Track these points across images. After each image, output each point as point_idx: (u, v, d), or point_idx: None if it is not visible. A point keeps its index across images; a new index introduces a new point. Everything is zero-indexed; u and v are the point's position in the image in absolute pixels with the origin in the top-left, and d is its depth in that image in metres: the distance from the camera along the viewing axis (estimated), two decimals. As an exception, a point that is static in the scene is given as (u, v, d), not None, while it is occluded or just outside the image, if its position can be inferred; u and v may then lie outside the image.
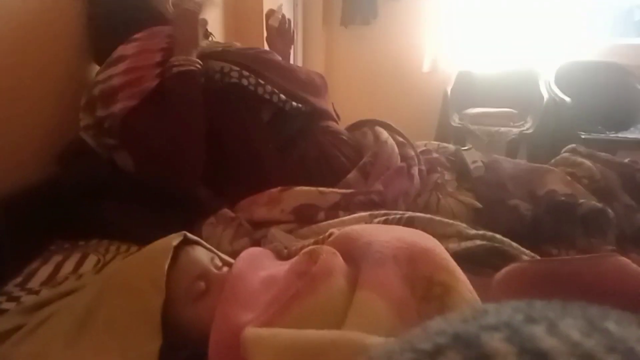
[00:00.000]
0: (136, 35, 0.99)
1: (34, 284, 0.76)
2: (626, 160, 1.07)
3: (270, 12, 1.32)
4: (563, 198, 0.89)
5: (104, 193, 0.93)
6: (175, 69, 0.93)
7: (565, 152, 1.13)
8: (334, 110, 1.25)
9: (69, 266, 0.81)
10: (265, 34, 1.36)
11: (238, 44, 1.19)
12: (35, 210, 0.89)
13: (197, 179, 0.94)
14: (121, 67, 0.94)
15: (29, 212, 0.88)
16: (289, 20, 1.35)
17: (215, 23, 1.98)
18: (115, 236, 0.89)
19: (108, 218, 0.91)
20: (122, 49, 0.96)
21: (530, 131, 2.48)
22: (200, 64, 0.95)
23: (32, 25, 0.97)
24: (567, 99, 2.43)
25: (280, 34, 1.32)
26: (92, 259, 0.83)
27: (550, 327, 0.21)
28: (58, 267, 0.80)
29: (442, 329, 0.24)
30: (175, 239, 0.63)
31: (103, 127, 0.94)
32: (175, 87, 0.92)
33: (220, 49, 1.11)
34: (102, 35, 1.08)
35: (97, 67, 1.09)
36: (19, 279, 0.77)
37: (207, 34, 1.23)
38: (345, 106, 2.08)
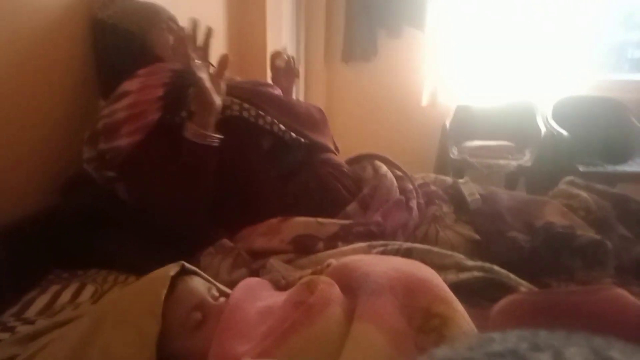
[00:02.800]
0: (139, 72, 1.02)
1: (30, 313, 0.75)
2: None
3: (277, 54, 1.36)
4: (561, 230, 0.89)
5: (103, 223, 0.93)
6: (190, 135, 0.91)
7: (562, 184, 1.14)
8: (334, 143, 1.27)
9: (66, 296, 0.80)
10: (270, 73, 1.39)
11: (238, 78, 1.22)
12: (34, 239, 0.89)
13: (194, 221, 0.95)
14: (125, 102, 0.96)
15: (29, 241, 0.88)
16: (293, 58, 1.39)
17: (220, 49, 2.02)
18: (114, 266, 0.89)
19: (107, 247, 0.91)
20: (126, 85, 0.99)
21: (528, 164, 2.49)
22: (217, 138, 0.93)
23: (39, 59, 1.00)
24: (565, 133, 2.45)
25: (286, 74, 1.36)
26: (89, 289, 0.82)
27: (555, 356, 0.21)
28: (55, 297, 0.79)
29: (449, 357, 0.24)
30: (173, 268, 0.62)
31: (105, 159, 0.95)
32: (190, 156, 0.91)
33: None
34: (108, 71, 1.11)
35: (101, 101, 1.11)
36: (15, 309, 0.76)
37: (208, 66, 1.26)
38: (346, 140, 2.10)
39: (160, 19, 1.13)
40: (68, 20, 1.07)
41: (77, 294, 0.81)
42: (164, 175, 0.91)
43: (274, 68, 1.36)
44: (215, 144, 0.92)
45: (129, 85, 0.99)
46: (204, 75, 0.90)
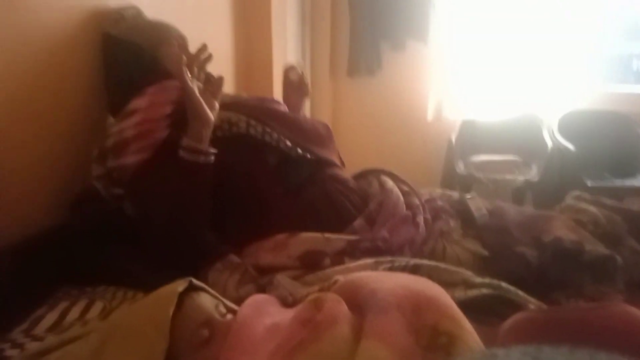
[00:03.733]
0: (148, 89, 1.03)
1: (39, 330, 0.76)
2: (635, 207, 1.07)
3: (291, 68, 1.37)
4: (569, 245, 0.88)
5: (112, 240, 0.94)
6: (182, 153, 0.91)
7: (570, 199, 1.13)
8: (340, 159, 1.27)
9: (75, 312, 0.80)
10: (277, 88, 1.40)
11: (244, 94, 1.23)
12: (43, 256, 0.90)
13: (196, 238, 0.96)
14: (133, 120, 0.98)
15: (38, 257, 0.89)
16: (304, 74, 1.40)
17: (227, 75, 2.05)
18: (122, 282, 0.89)
19: (115, 264, 0.91)
20: (135, 103, 1.01)
21: (535, 179, 2.48)
22: (211, 154, 0.93)
23: (50, 77, 1.02)
24: (571, 147, 2.45)
25: (298, 88, 1.37)
26: (98, 306, 0.83)
27: None
28: (64, 314, 0.80)
29: None
30: (180, 285, 0.63)
31: (112, 177, 0.96)
32: (185, 174, 0.92)
33: (228, 100, 1.15)
34: (117, 87, 1.13)
35: (110, 118, 1.13)
36: (24, 326, 0.76)
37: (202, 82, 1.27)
38: (352, 154, 2.11)
39: (170, 36, 1.15)
40: (78, 36, 1.10)
41: (85, 310, 0.81)
42: (166, 193, 0.92)
43: (286, 81, 1.37)
44: (210, 161, 0.92)
45: (138, 103, 1.01)
46: (195, 89, 0.92)
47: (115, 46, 1.12)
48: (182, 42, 1.17)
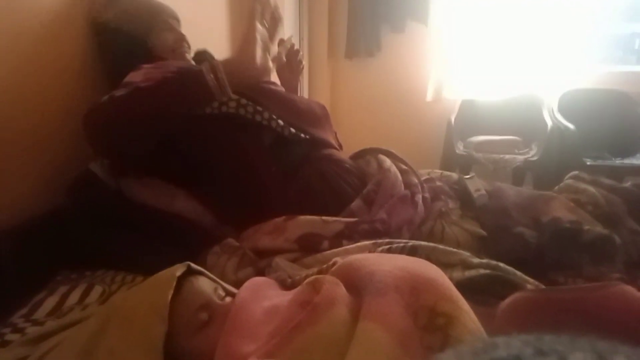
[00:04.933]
0: (144, 65, 1.02)
1: (39, 315, 0.76)
2: (628, 184, 1.06)
3: (280, 41, 1.36)
4: (568, 225, 0.88)
5: (110, 223, 0.94)
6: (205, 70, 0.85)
7: (568, 179, 1.13)
8: (337, 140, 1.26)
9: (74, 297, 0.81)
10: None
11: None
12: (42, 240, 0.89)
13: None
14: (126, 90, 0.96)
15: (37, 242, 0.88)
16: (298, 50, 1.38)
17: (221, 56, 2.03)
18: (121, 266, 0.89)
19: (114, 248, 0.91)
20: (131, 76, 0.99)
21: (535, 158, 2.48)
22: (220, 91, 0.87)
23: (46, 58, 1.00)
24: (571, 127, 2.43)
25: (289, 63, 1.35)
26: (97, 290, 0.83)
27: None
28: (64, 298, 0.80)
29: None
30: (179, 269, 0.63)
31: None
32: (183, 75, 0.88)
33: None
34: (113, 73, 1.11)
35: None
36: (24, 310, 0.77)
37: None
38: (350, 136, 2.10)
39: (160, 19, 1.13)
40: (70, 20, 1.07)
41: (85, 294, 0.81)
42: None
43: (277, 55, 1.35)
44: (217, 97, 0.86)
45: (134, 76, 0.99)
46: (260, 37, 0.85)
47: (107, 33, 1.10)
48: (173, 22, 1.15)
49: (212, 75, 0.85)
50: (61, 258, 0.90)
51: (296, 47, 1.38)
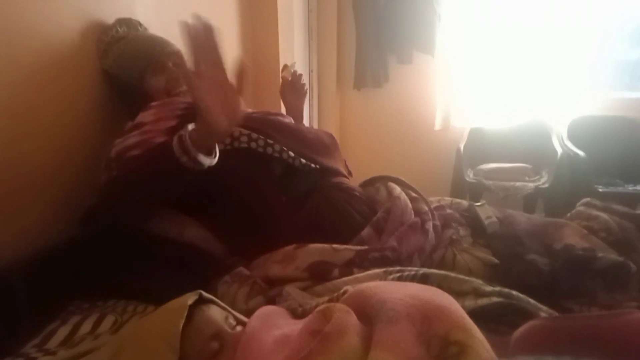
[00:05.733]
0: (153, 104, 1.05)
1: (51, 344, 0.76)
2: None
3: (285, 67, 1.43)
4: (581, 252, 0.87)
5: (122, 253, 0.95)
6: (174, 141, 0.79)
7: (580, 206, 1.12)
8: (347, 168, 1.28)
9: (86, 327, 0.81)
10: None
11: (249, 109, 1.25)
12: (55, 270, 0.90)
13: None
14: (138, 131, 0.99)
15: (50, 272, 0.89)
16: (301, 75, 1.44)
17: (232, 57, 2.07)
18: (132, 296, 0.90)
19: (125, 277, 0.92)
20: (141, 116, 1.02)
21: (546, 185, 2.46)
22: (197, 162, 0.80)
23: (58, 89, 1.03)
24: (582, 153, 2.42)
25: (293, 87, 1.40)
26: (109, 319, 0.83)
27: None
28: (76, 328, 0.80)
29: None
30: (190, 298, 0.63)
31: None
32: (161, 161, 0.82)
33: None
34: (123, 103, 1.15)
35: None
36: (37, 340, 0.77)
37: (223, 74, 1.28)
38: (360, 166, 2.11)
39: (153, 61, 1.12)
40: (84, 47, 1.11)
41: (97, 324, 0.81)
42: (135, 177, 0.87)
43: (282, 80, 1.42)
44: (191, 166, 0.79)
45: (144, 116, 1.02)
46: (209, 89, 0.73)
47: (110, 80, 1.15)
48: (166, 61, 1.14)
49: (186, 144, 0.78)
50: (74, 288, 0.91)
51: (300, 72, 1.44)
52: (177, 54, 1.14)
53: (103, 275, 0.93)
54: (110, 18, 1.16)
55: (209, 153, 0.82)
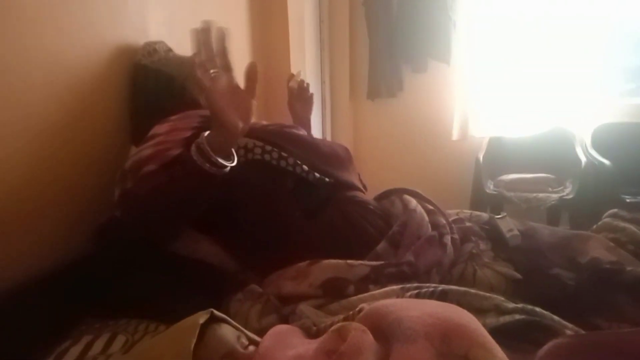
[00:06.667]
0: (171, 117, 1.07)
1: (63, 364, 0.77)
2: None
3: (291, 77, 1.46)
4: (608, 265, 0.85)
5: (134, 270, 0.96)
6: (193, 151, 0.81)
7: (606, 217, 1.10)
8: (361, 181, 1.28)
9: (98, 346, 0.81)
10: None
11: (264, 122, 1.26)
12: (67, 288, 0.92)
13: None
14: (152, 142, 1.01)
15: (62, 289, 0.91)
16: (308, 84, 1.46)
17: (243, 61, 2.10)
18: (144, 314, 0.90)
19: (137, 294, 0.93)
20: (156, 128, 1.04)
21: (570, 196, 2.43)
22: (221, 165, 0.83)
23: (74, 104, 1.06)
24: (607, 162, 2.39)
25: (300, 96, 1.43)
26: (120, 339, 0.84)
27: None
28: (87, 347, 0.81)
29: None
30: (202, 316, 0.63)
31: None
32: (184, 173, 0.84)
33: None
34: (142, 116, 1.18)
35: (133, 148, 1.17)
36: (50, 359, 0.78)
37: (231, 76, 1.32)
38: (375, 178, 2.11)
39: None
40: (107, 70, 1.15)
41: (108, 344, 0.82)
42: (159, 191, 0.88)
43: (288, 89, 1.44)
44: (216, 172, 0.81)
45: (159, 128, 1.04)
46: (218, 89, 0.76)
47: (146, 75, 1.18)
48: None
49: (206, 150, 0.80)
50: (86, 306, 0.92)
51: (307, 82, 1.46)
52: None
53: (114, 293, 0.94)
54: (123, 39, 1.21)
55: (228, 157, 0.84)
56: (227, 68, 0.76)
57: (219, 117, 0.78)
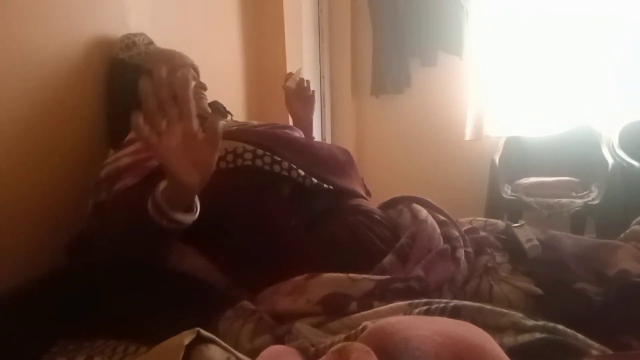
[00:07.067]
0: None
1: (32, 391, 0.77)
2: None
3: (289, 75, 1.45)
4: (638, 278, 0.86)
5: (111, 285, 0.96)
6: (149, 206, 0.77)
7: (635, 224, 1.10)
8: (364, 187, 1.28)
9: (72, 371, 0.81)
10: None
11: (254, 122, 1.27)
12: (38, 306, 0.91)
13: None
14: (131, 148, 1.02)
15: (31, 309, 0.91)
16: (308, 82, 1.46)
17: (237, 99, 2.11)
18: (123, 334, 0.90)
19: (114, 312, 0.92)
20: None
21: (596, 202, 2.43)
22: (176, 222, 0.79)
23: (43, 102, 1.06)
24: (637, 164, 2.39)
25: (299, 96, 1.43)
26: (97, 362, 0.84)
27: None
28: (60, 372, 0.81)
29: None
30: (187, 337, 0.63)
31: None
32: (140, 228, 0.81)
33: (234, 127, 1.18)
34: (119, 118, 1.18)
35: (110, 150, 1.17)
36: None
37: (226, 113, 1.32)
38: (379, 182, 2.12)
39: (185, 64, 1.22)
40: (82, 64, 1.15)
41: (83, 368, 0.82)
42: (121, 234, 0.87)
43: (286, 90, 1.44)
44: (174, 229, 0.80)
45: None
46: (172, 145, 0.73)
47: (124, 71, 1.18)
48: (194, 73, 1.23)
49: (162, 207, 0.78)
50: (58, 325, 0.92)
51: (307, 79, 1.46)
52: (194, 67, 1.25)
53: (90, 310, 0.94)
54: (99, 30, 1.21)
55: (189, 209, 0.81)
56: (185, 116, 0.72)
57: (170, 174, 0.74)
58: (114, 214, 0.93)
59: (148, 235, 0.81)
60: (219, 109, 1.33)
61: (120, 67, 1.19)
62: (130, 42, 1.23)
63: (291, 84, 1.45)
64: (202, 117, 0.77)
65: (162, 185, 0.78)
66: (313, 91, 1.49)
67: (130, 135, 1.06)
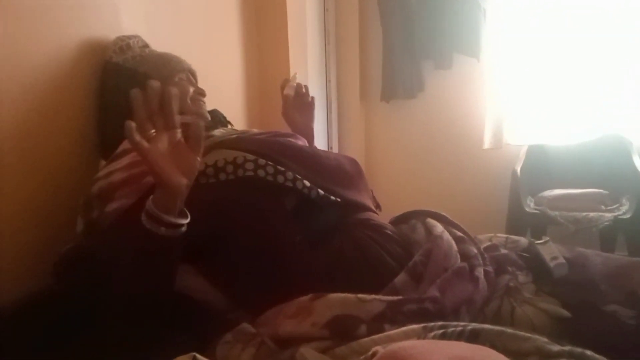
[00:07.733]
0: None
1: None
2: None
3: (285, 82, 1.45)
4: (674, 301, 0.85)
5: (101, 307, 0.96)
6: (144, 219, 0.85)
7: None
8: (374, 200, 1.28)
9: (57, 400, 0.81)
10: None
11: (255, 130, 1.27)
12: (21, 330, 0.92)
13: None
14: (124, 160, 1.03)
15: (14, 333, 0.91)
16: (307, 87, 1.46)
17: (237, 105, 2.12)
18: (113, 359, 0.90)
19: (105, 335, 0.93)
20: (127, 142, 1.05)
21: (627, 216, 2.42)
22: (176, 225, 0.86)
23: (31, 109, 1.07)
24: (671, 174, 2.39)
25: (298, 103, 1.43)
26: (84, 390, 0.84)
27: None
28: (45, 401, 0.81)
29: None
30: (183, 362, 0.63)
31: (96, 231, 1.00)
32: (142, 243, 0.88)
33: (234, 136, 1.19)
34: (112, 126, 1.19)
35: (102, 161, 1.18)
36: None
37: (225, 122, 1.33)
38: (390, 194, 2.12)
39: (182, 68, 1.23)
40: (72, 69, 1.17)
41: (69, 396, 0.82)
42: (130, 257, 0.91)
43: (284, 98, 1.44)
44: (174, 234, 0.86)
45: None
46: (157, 147, 0.82)
47: (118, 75, 1.20)
48: (192, 79, 1.25)
49: (155, 215, 0.85)
50: (45, 350, 0.92)
51: (304, 84, 1.45)
52: (192, 72, 1.27)
53: (78, 333, 0.94)
54: (91, 32, 1.23)
55: (181, 214, 0.88)
56: (170, 127, 0.84)
57: (159, 178, 0.84)
58: (116, 243, 0.95)
59: (152, 251, 0.87)
60: (218, 118, 1.34)
61: (114, 72, 1.20)
62: (124, 44, 1.24)
63: (289, 91, 1.43)
64: (185, 124, 0.87)
65: (149, 201, 0.86)
66: (312, 97, 1.49)
67: (123, 146, 1.07)
